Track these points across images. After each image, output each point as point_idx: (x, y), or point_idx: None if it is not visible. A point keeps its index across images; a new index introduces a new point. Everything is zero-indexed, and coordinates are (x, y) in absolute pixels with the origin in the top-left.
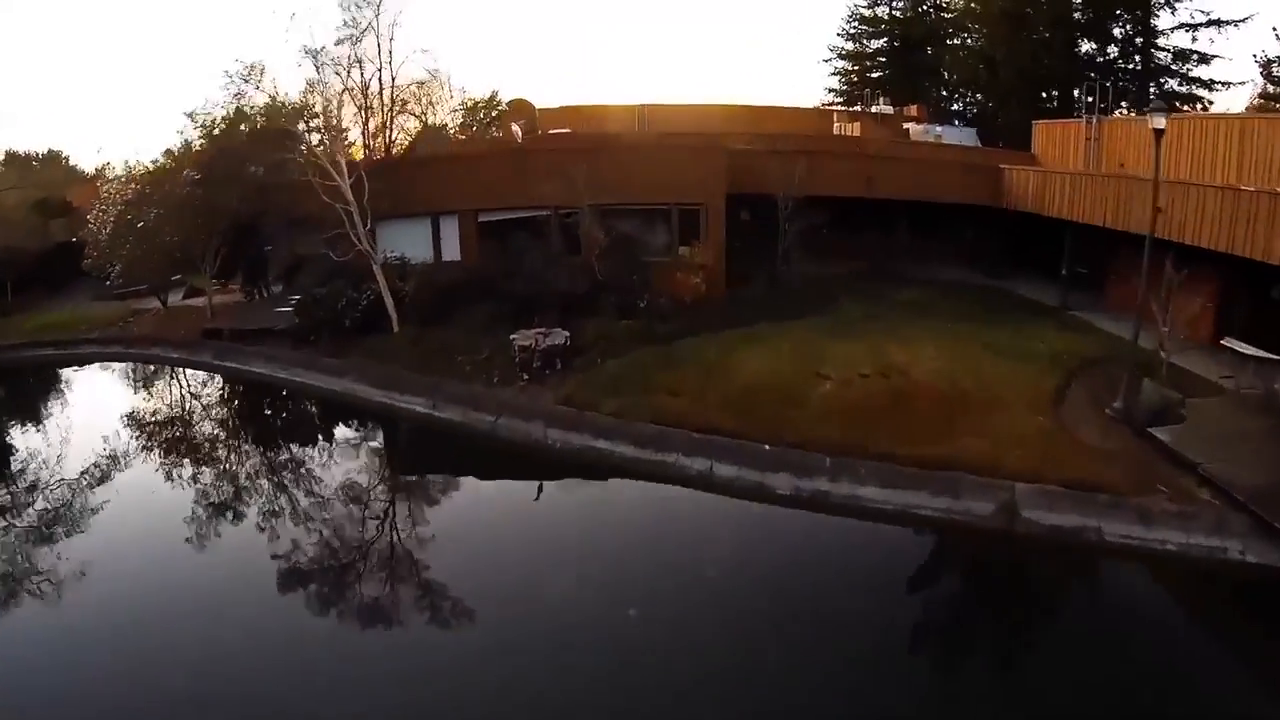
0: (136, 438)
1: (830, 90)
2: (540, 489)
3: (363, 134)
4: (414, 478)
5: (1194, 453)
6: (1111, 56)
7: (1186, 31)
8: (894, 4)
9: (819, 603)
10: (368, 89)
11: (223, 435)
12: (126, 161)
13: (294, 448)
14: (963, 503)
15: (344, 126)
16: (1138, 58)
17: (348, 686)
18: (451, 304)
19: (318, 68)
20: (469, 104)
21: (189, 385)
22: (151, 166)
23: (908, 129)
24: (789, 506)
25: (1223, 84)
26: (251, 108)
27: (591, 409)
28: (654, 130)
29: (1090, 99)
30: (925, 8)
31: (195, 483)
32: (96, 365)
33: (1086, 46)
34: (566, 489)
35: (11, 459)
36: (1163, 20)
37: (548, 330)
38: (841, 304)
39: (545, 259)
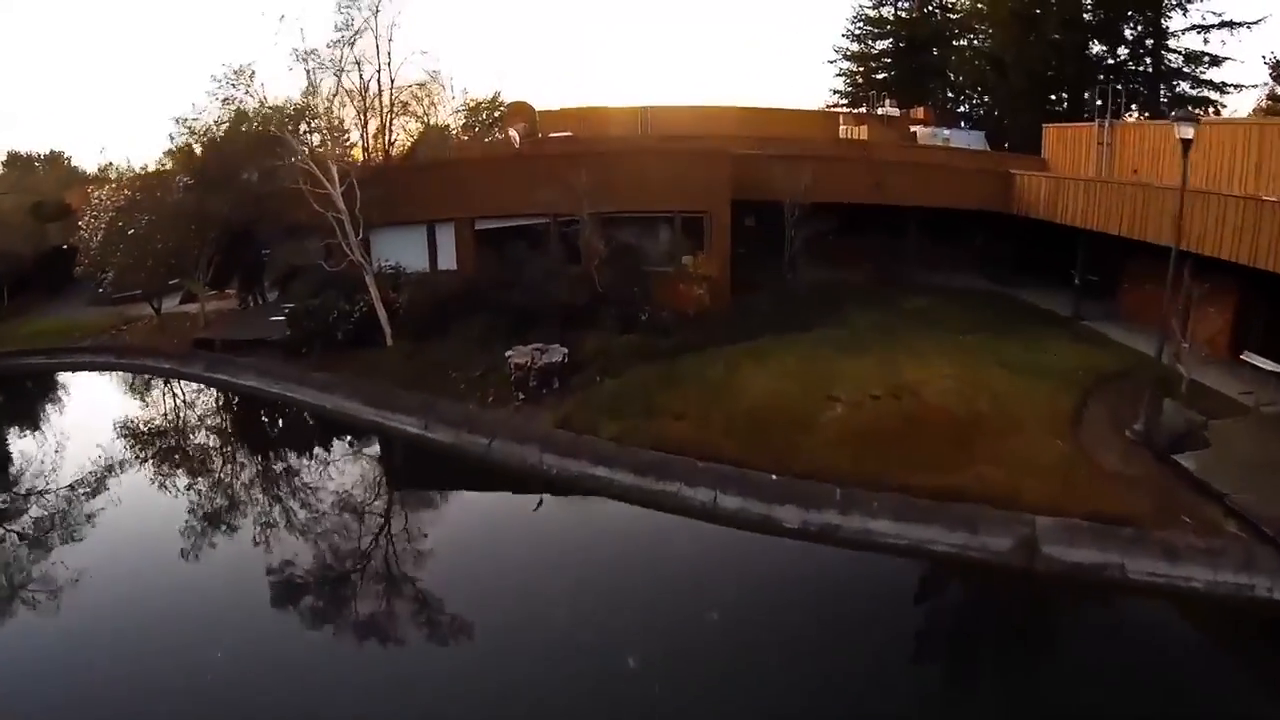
0: (122, 451)
1: (835, 92)
2: (538, 506)
3: (361, 136)
4: (401, 503)
5: (1219, 481)
6: (1122, 58)
7: (1198, 33)
8: (899, 4)
9: (827, 646)
10: (366, 91)
11: (208, 452)
12: (115, 165)
13: (278, 467)
14: (980, 538)
15: (339, 130)
16: (1148, 60)
17: None
18: (446, 316)
19: (308, 71)
20: (471, 104)
21: (178, 398)
22: (142, 171)
23: (915, 132)
24: (797, 539)
25: (1234, 86)
26: (241, 112)
27: (590, 433)
28: (657, 133)
29: (1101, 102)
30: (931, 8)
31: (175, 500)
32: (87, 375)
33: (1097, 48)
34: (561, 518)
35: None
36: (1174, 22)
37: (545, 346)
38: (849, 314)
39: (544, 269)
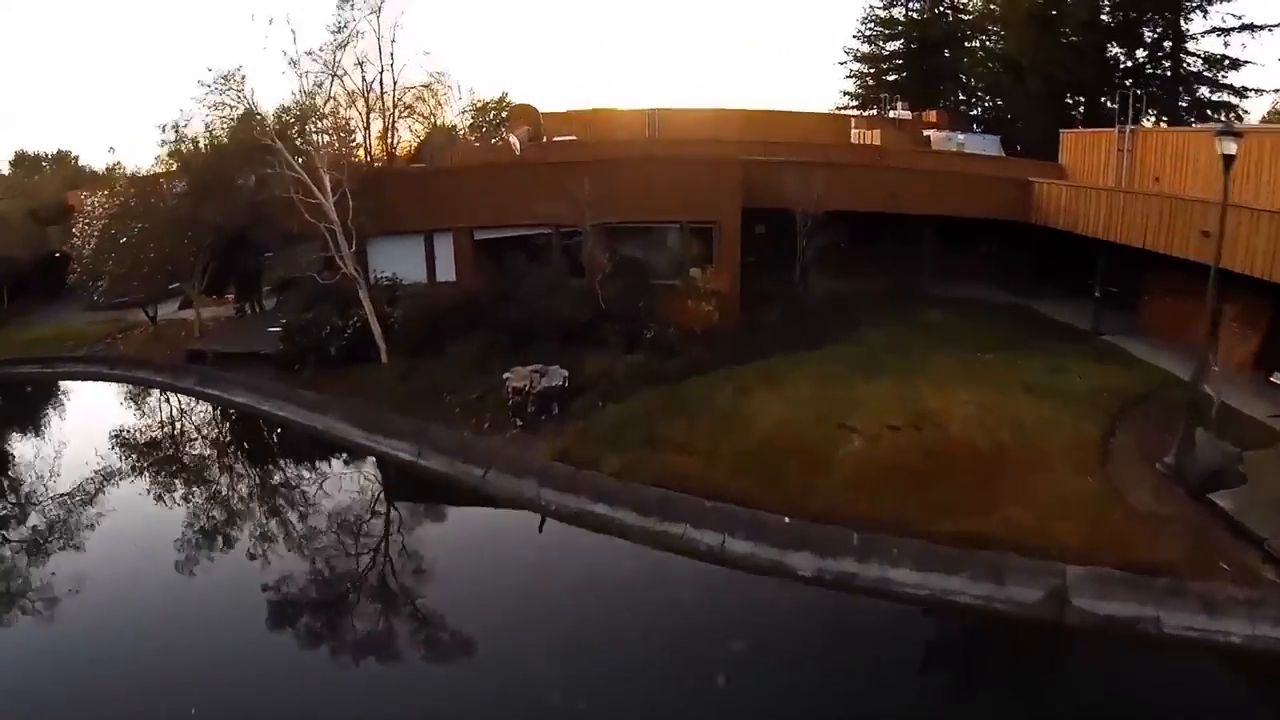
0: (104, 469)
1: (845, 93)
2: (541, 525)
3: (364, 138)
4: (388, 537)
5: (1257, 523)
6: (1140, 60)
7: (1218, 36)
8: (910, 5)
9: (842, 705)
10: (369, 93)
11: (191, 473)
12: (122, 164)
13: (262, 493)
14: (1006, 589)
15: (345, 130)
16: (1167, 63)
17: None
18: (443, 332)
19: (300, 76)
20: (478, 105)
21: (168, 413)
22: (134, 175)
23: (929, 136)
24: (811, 587)
25: (1254, 91)
26: (230, 118)
27: (590, 466)
28: (665, 136)
29: (1117, 106)
30: (942, 9)
31: (152, 522)
32: (80, 386)
33: (1114, 51)
34: (556, 558)
35: None
36: (1194, 24)
37: (544, 368)
38: (863, 329)
39: (545, 284)
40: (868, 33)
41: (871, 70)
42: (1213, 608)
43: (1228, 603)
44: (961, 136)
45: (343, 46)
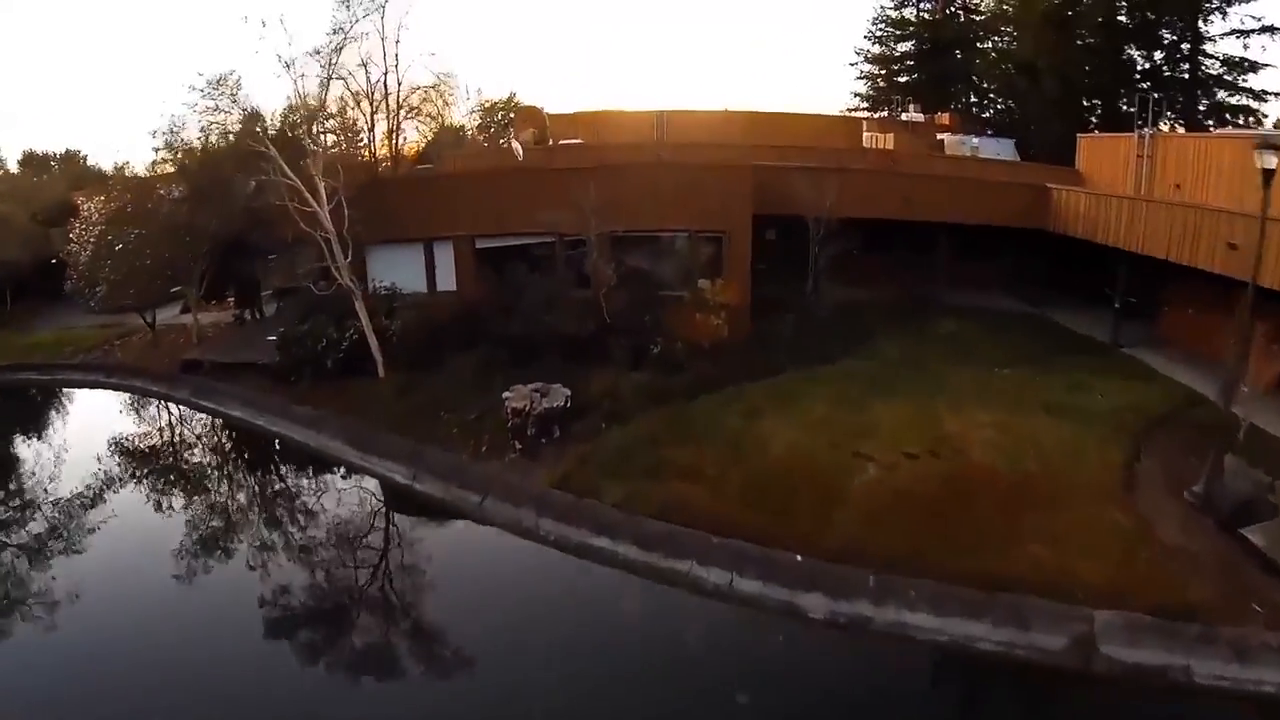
0: (91, 481)
1: (856, 95)
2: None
3: (369, 139)
4: (378, 563)
5: None
6: (1157, 62)
7: (1237, 38)
8: (921, 5)
9: None
10: (373, 94)
11: (178, 490)
12: (130, 164)
13: (251, 513)
14: (1030, 635)
15: (353, 130)
16: (1185, 66)
17: None
18: (442, 345)
19: (295, 80)
20: (486, 105)
21: (161, 425)
22: (131, 176)
23: (943, 140)
24: (823, 630)
25: (1274, 94)
26: (224, 126)
27: (591, 495)
28: (673, 139)
29: (1134, 110)
30: (954, 9)
31: (132, 539)
32: (77, 394)
33: (1131, 54)
34: (554, 592)
35: None
36: (1213, 26)
37: (546, 387)
38: (877, 342)
39: (547, 296)
40: (878, 33)
41: (883, 72)
42: (1245, 655)
43: (1261, 649)
44: (976, 140)
45: (339, 50)
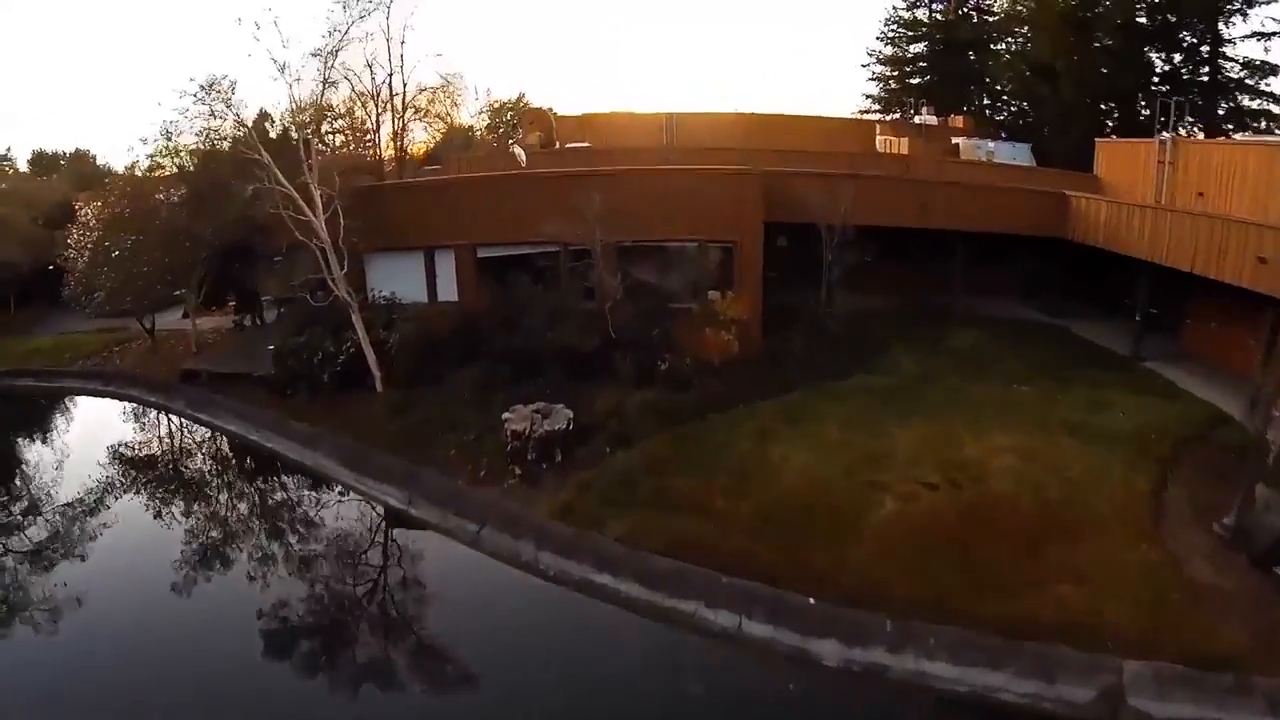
0: (78, 494)
1: (868, 97)
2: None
3: (374, 140)
4: (368, 593)
5: None
6: (1177, 65)
7: (1258, 41)
8: (934, 6)
9: None
10: (378, 95)
11: (168, 505)
12: (139, 162)
13: (240, 534)
14: (1056, 687)
15: (345, 136)
16: (1205, 69)
17: None
18: (441, 360)
19: (290, 84)
20: (495, 105)
21: (154, 437)
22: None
23: (957, 145)
24: (836, 678)
25: None
26: (216, 131)
27: (593, 527)
28: (682, 142)
29: (1152, 114)
30: (967, 9)
31: (119, 548)
32: (73, 402)
33: (1149, 57)
34: (552, 634)
35: None
36: (1235, 29)
37: (548, 408)
38: (892, 355)
39: (550, 308)
40: (890, 34)
41: (895, 73)
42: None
43: None
44: (991, 145)
45: (334, 53)
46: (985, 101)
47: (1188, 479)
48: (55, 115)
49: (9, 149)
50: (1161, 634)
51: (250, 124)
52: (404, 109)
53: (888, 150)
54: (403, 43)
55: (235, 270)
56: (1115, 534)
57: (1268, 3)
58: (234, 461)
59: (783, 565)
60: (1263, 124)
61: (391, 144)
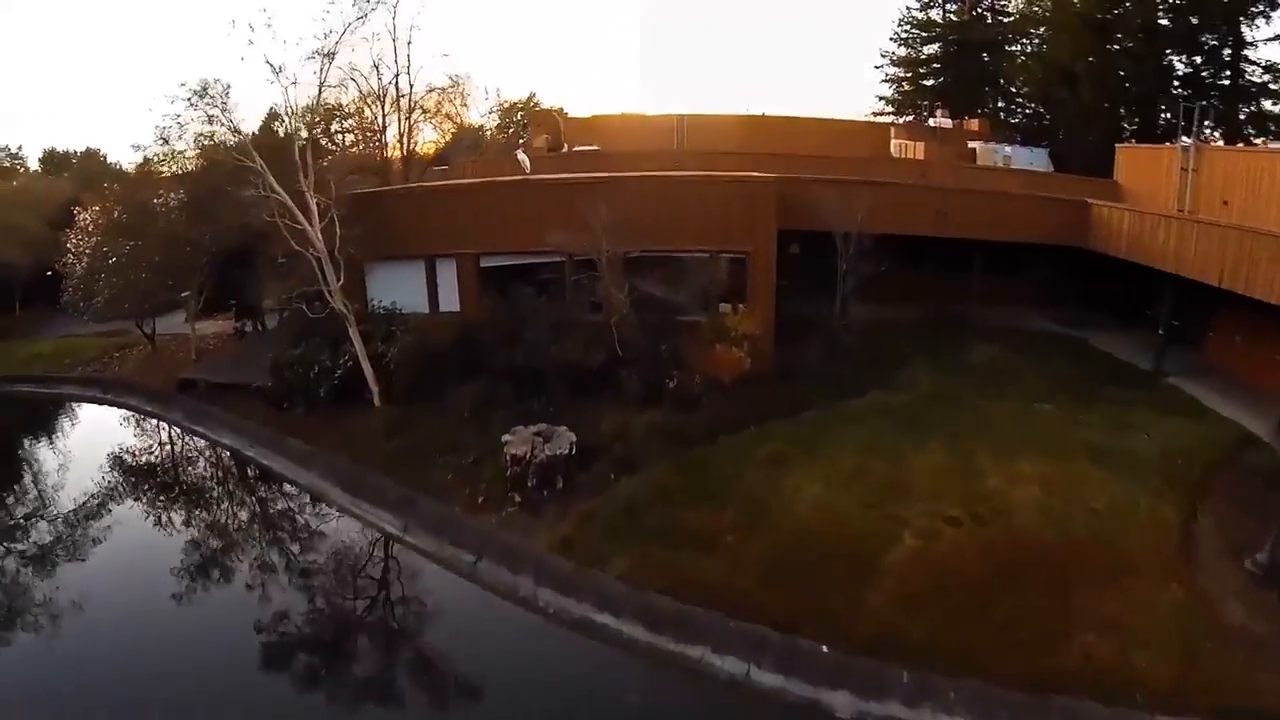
0: (76, 505)
1: (881, 98)
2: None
3: (380, 140)
4: (360, 622)
5: None
6: (1198, 66)
7: None
8: (948, 6)
9: None
10: (384, 96)
11: (160, 522)
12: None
13: (228, 557)
14: None
15: (355, 136)
16: (1226, 73)
17: None
18: (441, 374)
19: (285, 87)
20: (505, 106)
21: (149, 449)
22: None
23: (974, 149)
24: None
25: None
26: (209, 137)
27: (595, 564)
28: (694, 145)
29: (1172, 118)
30: (981, 10)
31: (97, 573)
32: (70, 410)
33: (1170, 60)
34: (550, 676)
35: None
36: (1258, 32)
37: (549, 430)
38: (909, 370)
39: (554, 322)
40: (904, 35)
41: (909, 75)
42: None
43: None
44: (1008, 149)
45: (330, 56)
46: (1000, 104)
47: (1217, 508)
48: (55, 115)
49: (20, 148)
50: (1193, 684)
51: (249, 125)
52: (411, 109)
53: (903, 155)
54: (409, 43)
55: (235, 276)
56: (1144, 573)
57: None
58: (228, 477)
59: (794, 609)
60: None
61: (399, 144)
